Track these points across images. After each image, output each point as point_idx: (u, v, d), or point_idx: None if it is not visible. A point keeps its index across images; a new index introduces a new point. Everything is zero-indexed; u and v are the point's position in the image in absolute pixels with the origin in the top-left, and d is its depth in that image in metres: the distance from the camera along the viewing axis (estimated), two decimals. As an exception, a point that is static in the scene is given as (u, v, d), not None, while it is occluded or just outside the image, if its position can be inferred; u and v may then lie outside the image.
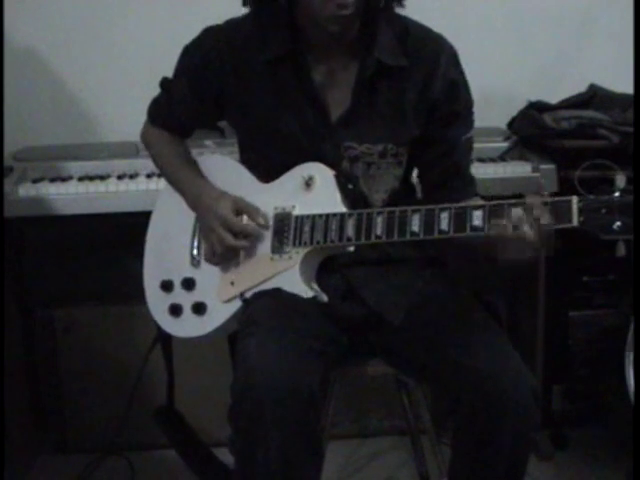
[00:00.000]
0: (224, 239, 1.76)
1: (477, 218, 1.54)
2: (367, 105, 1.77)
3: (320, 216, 1.72)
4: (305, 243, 1.73)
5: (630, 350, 2.22)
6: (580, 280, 2.56)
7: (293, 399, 1.51)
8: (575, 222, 1.45)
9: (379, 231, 1.65)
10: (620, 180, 1.45)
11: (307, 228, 1.73)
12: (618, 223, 1.43)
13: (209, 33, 1.85)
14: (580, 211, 1.44)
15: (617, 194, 1.44)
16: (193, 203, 1.88)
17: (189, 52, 1.88)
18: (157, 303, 1.93)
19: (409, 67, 1.75)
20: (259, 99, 1.80)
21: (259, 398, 1.50)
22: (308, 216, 1.74)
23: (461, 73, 1.81)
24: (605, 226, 1.44)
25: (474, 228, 1.54)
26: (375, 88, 1.76)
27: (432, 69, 1.75)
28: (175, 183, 1.94)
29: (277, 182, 1.82)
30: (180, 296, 1.89)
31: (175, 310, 1.89)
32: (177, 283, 1.90)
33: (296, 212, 1.76)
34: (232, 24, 1.82)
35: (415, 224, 1.61)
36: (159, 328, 1.95)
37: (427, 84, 1.76)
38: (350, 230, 1.68)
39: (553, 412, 2.63)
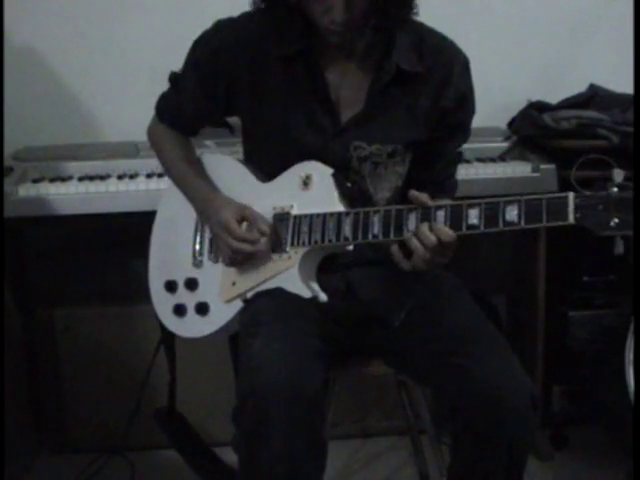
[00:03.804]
0: (228, 244, 1.76)
1: (473, 216, 1.54)
2: (380, 108, 1.77)
3: (318, 216, 1.72)
4: (303, 243, 1.73)
5: (630, 350, 2.21)
6: (580, 280, 2.56)
7: (298, 399, 1.51)
8: (571, 219, 1.44)
9: (376, 230, 1.65)
10: (617, 175, 1.44)
11: (305, 228, 1.73)
12: (615, 219, 1.41)
13: (221, 26, 1.84)
14: (576, 208, 1.43)
15: (614, 189, 1.43)
16: (201, 208, 1.88)
17: (200, 45, 1.86)
18: (162, 303, 1.94)
19: (424, 73, 1.75)
20: (270, 95, 1.79)
21: (264, 398, 1.51)
22: (306, 216, 1.74)
23: (471, 83, 1.82)
24: (602, 223, 1.42)
25: (470, 226, 1.54)
26: (389, 92, 1.76)
27: (446, 77, 1.76)
28: (182, 186, 1.94)
29: (275, 181, 1.82)
30: (184, 296, 1.90)
31: (179, 310, 1.90)
32: (180, 283, 1.91)
33: (294, 212, 1.76)
34: (245, 18, 1.81)
35: (411, 223, 1.61)
36: (163, 329, 1.96)
37: (440, 92, 1.77)
38: (347, 229, 1.68)
39: (553, 412, 2.63)
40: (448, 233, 1.55)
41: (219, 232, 1.78)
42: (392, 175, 1.82)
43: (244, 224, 1.77)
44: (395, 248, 1.62)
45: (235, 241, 1.75)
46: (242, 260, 1.79)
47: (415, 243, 1.58)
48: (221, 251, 1.82)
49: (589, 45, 2.84)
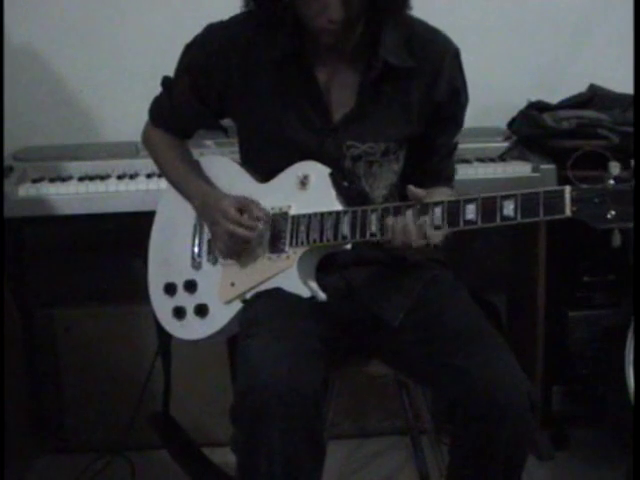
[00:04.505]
0: (225, 228, 1.76)
1: (470, 212, 1.54)
2: (371, 105, 1.77)
3: (316, 215, 1.72)
4: (302, 242, 1.74)
5: (630, 350, 2.21)
6: (580, 280, 2.56)
7: (296, 399, 1.51)
8: (568, 212, 1.44)
9: (374, 228, 1.65)
10: (614, 168, 1.44)
11: (303, 227, 1.74)
12: (612, 212, 1.42)
13: (212, 30, 1.84)
14: (573, 201, 1.44)
15: (611, 182, 1.43)
16: (199, 202, 1.88)
17: (192, 49, 1.88)
18: (161, 306, 1.94)
19: (415, 68, 1.75)
20: (263, 97, 1.80)
21: (262, 398, 1.50)
22: (304, 215, 1.74)
23: (463, 75, 1.83)
24: (599, 215, 1.43)
25: (468, 222, 1.55)
26: (380, 89, 1.76)
27: (437, 70, 1.76)
28: (179, 185, 1.94)
29: (273, 182, 1.82)
30: (183, 299, 1.90)
31: (178, 313, 1.90)
32: (180, 286, 1.91)
33: (292, 212, 1.77)
34: (236, 21, 1.81)
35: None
36: (159, 334, 1.95)
37: (432, 85, 1.77)
38: (345, 228, 1.68)
39: (553, 412, 2.62)
40: (419, 242, 1.58)
41: (218, 219, 1.78)
42: (387, 173, 1.82)
43: (245, 216, 1.77)
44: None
45: (232, 224, 1.75)
46: (239, 250, 1.79)
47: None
48: (219, 239, 1.81)
49: (589, 45, 2.83)
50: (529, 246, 2.53)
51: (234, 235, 1.76)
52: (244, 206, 1.78)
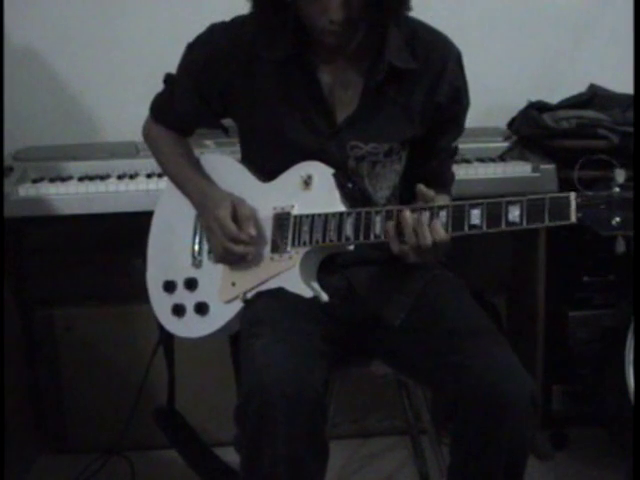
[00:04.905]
0: (221, 242, 1.76)
1: (475, 217, 1.54)
2: (374, 107, 1.77)
3: (319, 215, 1.72)
4: (304, 243, 1.73)
5: (630, 350, 2.22)
6: (580, 280, 2.56)
7: (300, 399, 1.51)
8: (573, 218, 1.44)
9: (377, 230, 1.65)
10: (619, 175, 1.44)
11: (306, 228, 1.73)
12: (617, 219, 1.42)
13: (215, 30, 1.84)
14: (578, 207, 1.44)
15: (616, 189, 1.43)
16: (199, 202, 1.87)
17: (194, 49, 1.87)
18: (160, 303, 1.93)
19: (417, 70, 1.75)
20: (265, 97, 1.79)
21: (267, 398, 1.50)
22: (307, 216, 1.74)
23: (464, 77, 1.83)
24: (604, 222, 1.43)
25: (472, 226, 1.54)
26: (383, 90, 1.76)
27: (439, 72, 1.76)
28: (179, 183, 1.94)
29: (276, 181, 1.82)
30: (183, 296, 1.89)
31: (178, 310, 1.89)
32: (179, 283, 1.90)
33: (295, 212, 1.76)
34: (239, 21, 1.81)
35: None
36: (161, 329, 1.95)
37: (434, 87, 1.77)
38: (349, 229, 1.68)
39: (553, 412, 2.63)
40: (442, 235, 1.56)
41: (214, 229, 1.78)
42: (390, 173, 1.82)
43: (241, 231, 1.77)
44: (391, 226, 1.62)
45: (227, 241, 1.75)
46: (233, 260, 1.79)
47: (412, 237, 1.59)
48: (213, 246, 1.82)
49: (589, 45, 2.84)
50: (529, 246, 2.53)
51: (228, 250, 1.76)
52: (238, 217, 1.76)
